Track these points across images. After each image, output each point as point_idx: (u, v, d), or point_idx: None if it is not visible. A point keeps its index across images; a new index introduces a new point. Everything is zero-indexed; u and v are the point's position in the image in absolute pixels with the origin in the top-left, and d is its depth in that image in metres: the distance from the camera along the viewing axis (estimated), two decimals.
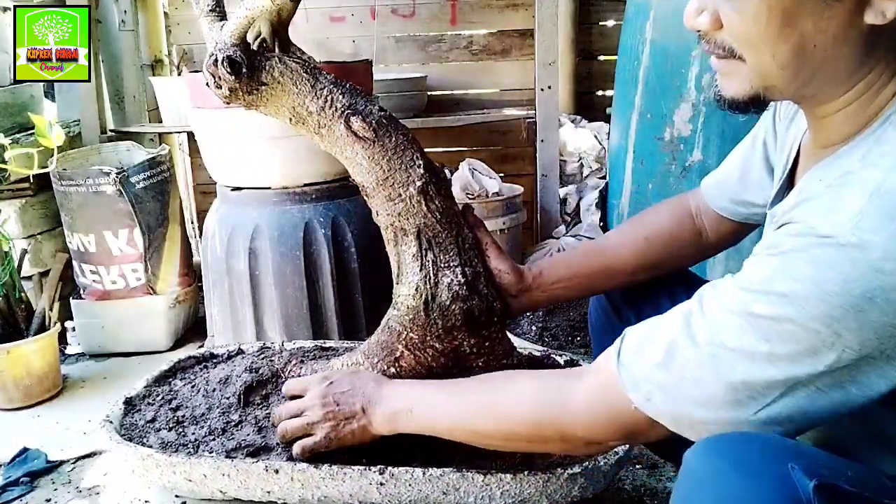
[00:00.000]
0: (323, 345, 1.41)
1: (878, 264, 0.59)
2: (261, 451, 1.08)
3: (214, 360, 1.40)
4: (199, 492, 1.10)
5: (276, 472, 1.02)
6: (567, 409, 0.81)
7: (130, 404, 1.26)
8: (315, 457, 1.03)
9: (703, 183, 1.13)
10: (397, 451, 1.05)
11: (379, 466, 1.00)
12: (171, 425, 1.18)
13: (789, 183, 0.87)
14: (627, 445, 1.00)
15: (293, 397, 1.10)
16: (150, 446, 1.12)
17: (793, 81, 0.70)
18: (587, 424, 0.80)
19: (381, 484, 1.00)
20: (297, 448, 1.03)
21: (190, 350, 1.63)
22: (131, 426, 1.20)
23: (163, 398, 1.26)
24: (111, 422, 1.19)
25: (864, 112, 0.71)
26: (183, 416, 1.19)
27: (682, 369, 0.70)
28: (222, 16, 1.09)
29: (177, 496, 1.20)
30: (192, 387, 1.26)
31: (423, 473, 0.99)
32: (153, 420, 1.20)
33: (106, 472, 1.39)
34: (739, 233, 1.13)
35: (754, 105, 0.74)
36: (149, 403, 1.26)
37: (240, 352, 1.41)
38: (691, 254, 1.15)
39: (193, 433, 1.14)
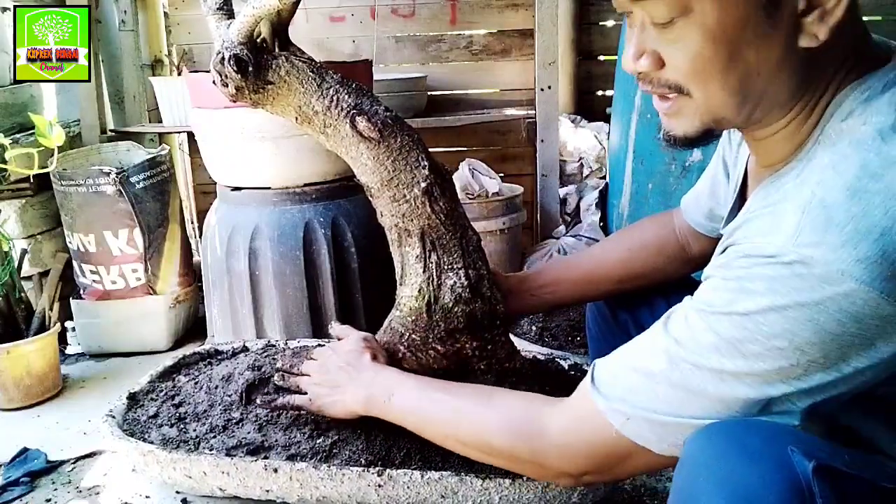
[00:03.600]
0: (326, 344, 1.41)
1: (823, 276, 0.61)
2: (260, 450, 1.08)
3: (219, 357, 1.40)
4: (199, 489, 1.10)
5: (275, 471, 1.02)
6: (544, 435, 0.82)
7: (134, 399, 1.26)
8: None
9: (682, 200, 1.16)
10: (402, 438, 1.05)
11: (377, 468, 1.00)
12: (172, 421, 1.18)
13: (740, 202, 0.89)
14: None
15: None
16: (152, 442, 1.13)
17: (741, 110, 0.73)
18: (562, 453, 0.81)
19: (380, 486, 1.00)
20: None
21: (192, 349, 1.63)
22: (134, 421, 1.20)
23: (166, 394, 1.26)
24: (114, 417, 1.19)
25: (799, 132, 0.73)
26: (185, 413, 1.19)
27: (658, 392, 0.72)
28: (229, 14, 1.09)
29: (177, 492, 1.20)
30: (196, 383, 1.26)
31: (422, 476, 0.99)
32: (155, 416, 1.20)
33: (106, 472, 1.39)
34: None
35: (706, 139, 0.77)
36: (152, 399, 1.26)
37: (244, 349, 1.41)
38: (676, 267, 1.18)
39: (195, 430, 1.15)
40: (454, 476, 0.99)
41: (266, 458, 1.06)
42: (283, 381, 1.13)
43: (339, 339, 1.17)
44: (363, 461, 1.04)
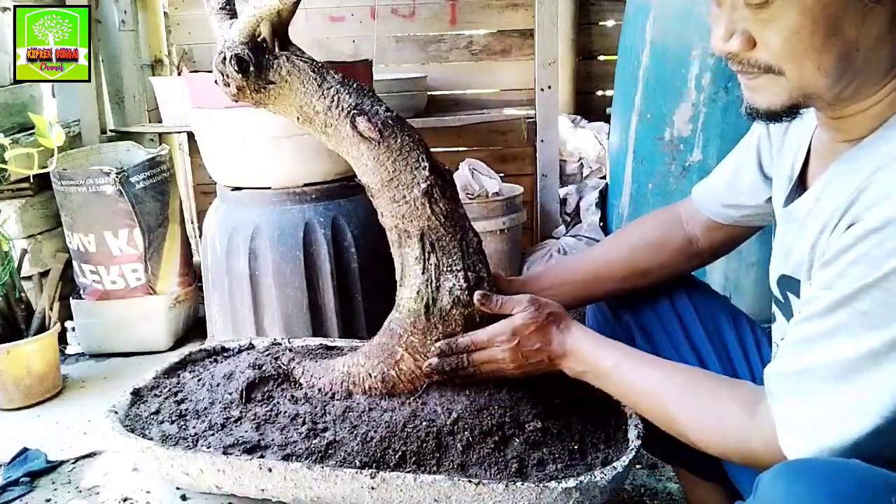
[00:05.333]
0: (329, 343, 1.41)
1: None
2: (257, 449, 1.08)
3: (225, 354, 1.40)
4: (196, 486, 1.10)
5: (270, 470, 1.02)
6: (752, 448, 0.78)
7: (138, 395, 1.26)
8: None
9: (693, 190, 1.15)
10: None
11: (370, 471, 1.00)
12: (173, 418, 1.18)
13: (801, 182, 0.87)
14: (626, 461, 0.98)
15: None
16: (152, 438, 1.13)
17: (835, 86, 0.71)
18: (772, 461, 0.75)
19: (373, 488, 1.00)
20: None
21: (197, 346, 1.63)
22: (136, 417, 1.20)
23: (169, 390, 1.26)
24: (116, 412, 1.20)
25: (892, 106, 0.72)
26: (186, 410, 1.19)
27: (816, 390, 0.69)
28: (232, 14, 1.09)
29: (177, 489, 1.20)
30: (199, 380, 1.27)
31: (415, 480, 0.99)
32: (157, 412, 1.20)
33: (106, 472, 1.39)
34: (733, 238, 1.13)
35: (791, 113, 0.75)
36: (155, 395, 1.26)
37: (251, 346, 1.41)
38: (682, 261, 1.16)
39: (194, 427, 1.14)
40: (447, 480, 0.98)
41: (262, 457, 1.06)
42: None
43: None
44: (358, 463, 1.04)
